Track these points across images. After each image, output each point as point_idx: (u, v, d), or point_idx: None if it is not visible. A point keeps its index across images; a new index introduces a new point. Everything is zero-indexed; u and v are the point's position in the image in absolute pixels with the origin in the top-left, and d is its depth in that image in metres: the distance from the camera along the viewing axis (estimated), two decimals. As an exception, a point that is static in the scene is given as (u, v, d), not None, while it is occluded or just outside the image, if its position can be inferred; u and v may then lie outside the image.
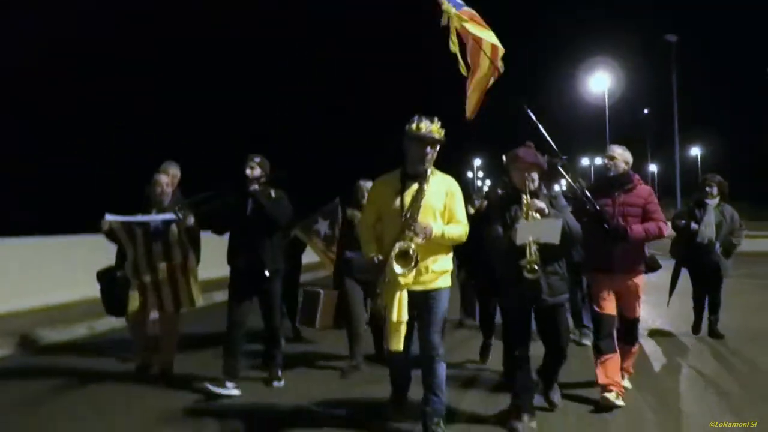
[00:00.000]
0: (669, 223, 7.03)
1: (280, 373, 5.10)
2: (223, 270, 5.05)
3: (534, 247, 3.75)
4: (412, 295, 3.68)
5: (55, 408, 4.57)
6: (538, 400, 4.16)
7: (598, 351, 4.47)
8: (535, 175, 3.96)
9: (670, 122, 33.26)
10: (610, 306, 4.49)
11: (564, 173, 4.48)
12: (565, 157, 4.53)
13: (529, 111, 4.47)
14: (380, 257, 3.69)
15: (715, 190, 6.64)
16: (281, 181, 5.12)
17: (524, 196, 3.88)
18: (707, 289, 6.69)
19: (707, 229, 6.49)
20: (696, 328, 6.68)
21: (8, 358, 6.15)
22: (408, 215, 3.64)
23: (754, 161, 39.69)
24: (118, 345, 6.15)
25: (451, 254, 3.87)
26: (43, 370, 5.55)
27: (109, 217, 4.98)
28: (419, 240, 3.59)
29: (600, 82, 31.46)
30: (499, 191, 4.69)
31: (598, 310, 4.50)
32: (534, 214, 3.83)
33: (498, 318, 4.85)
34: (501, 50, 4.55)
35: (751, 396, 4.60)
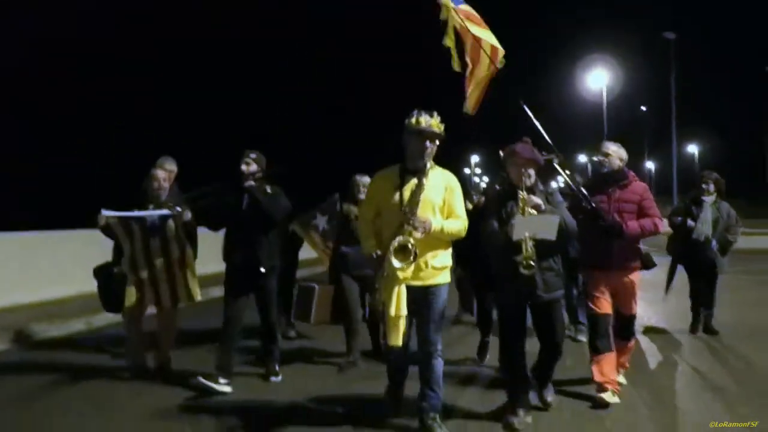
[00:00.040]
0: (665, 220, 7.08)
1: (277, 368, 5.10)
2: (220, 265, 5.03)
3: (530, 243, 3.75)
4: (410, 290, 3.68)
5: (51, 403, 4.57)
6: (532, 397, 4.16)
7: (594, 349, 4.48)
8: (531, 171, 3.96)
9: (668, 120, 33.35)
10: (605, 304, 4.49)
11: (560, 170, 4.48)
12: (561, 154, 4.53)
13: (525, 106, 4.47)
14: (379, 252, 3.69)
15: (711, 188, 6.65)
16: (280, 177, 5.12)
17: (520, 191, 3.89)
18: (703, 286, 6.71)
19: (703, 226, 6.51)
20: (694, 328, 6.68)
21: (4, 353, 6.14)
22: (407, 209, 3.64)
23: (752, 159, 39.79)
24: (115, 340, 6.14)
25: (450, 250, 3.86)
26: (39, 365, 5.55)
27: (106, 213, 4.96)
28: (418, 234, 3.59)
29: (598, 80, 31.46)
30: (497, 187, 4.70)
31: (593, 308, 4.51)
32: (530, 210, 3.84)
33: (495, 315, 4.87)
34: (501, 52, 4.55)
35: (747, 392, 4.62)
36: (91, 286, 5.46)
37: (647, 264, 4.66)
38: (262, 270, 4.84)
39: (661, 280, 6.82)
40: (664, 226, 4.79)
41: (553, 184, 4.76)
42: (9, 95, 30.00)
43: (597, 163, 4.69)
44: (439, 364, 3.84)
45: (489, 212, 4.08)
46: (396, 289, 3.63)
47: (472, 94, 4.63)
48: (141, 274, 5.03)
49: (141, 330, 5.25)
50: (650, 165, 52.56)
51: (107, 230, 5.05)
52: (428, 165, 3.76)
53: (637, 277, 4.54)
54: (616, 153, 4.59)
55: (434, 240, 3.72)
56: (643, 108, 46.81)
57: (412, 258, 3.57)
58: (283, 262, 5.38)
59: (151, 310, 5.25)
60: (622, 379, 4.70)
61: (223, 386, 4.66)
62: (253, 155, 4.91)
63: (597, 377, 4.40)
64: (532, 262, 3.75)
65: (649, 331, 6.84)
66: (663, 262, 6.52)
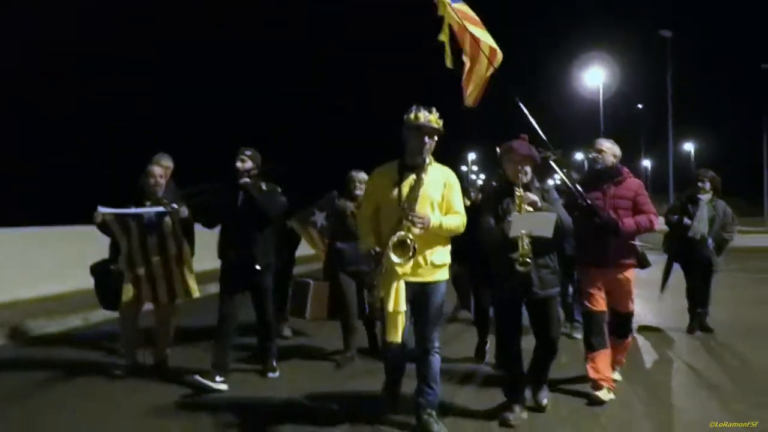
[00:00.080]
0: (662, 218, 7.09)
1: (275, 364, 5.11)
2: (217, 262, 5.03)
3: (526, 240, 3.76)
4: (409, 287, 3.68)
5: (46, 400, 4.55)
6: (527, 395, 4.15)
7: (589, 347, 4.49)
8: (528, 168, 3.97)
9: (665, 117, 33.41)
10: (600, 302, 4.50)
11: (557, 166, 4.49)
12: (559, 150, 4.54)
13: (521, 104, 4.48)
14: (377, 249, 3.69)
15: (707, 186, 6.67)
16: (278, 175, 5.11)
17: (517, 188, 3.89)
18: (699, 284, 6.73)
19: (699, 224, 6.52)
20: (691, 328, 6.66)
21: (1, 349, 6.13)
22: (405, 205, 3.64)
23: (748, 157, 39.88)
24: (111, 337, 6.13)
25: (449, 247, 3.86)
26: (35, 361, 5.54)
27: (103, 210, 4.95)
28: (417, 230, 3.59)
29: (595, 77, 31.48)
30: (494, 184, 4.71)
31: (588, 305, 4.52)
32: (526, 207, 3.84)
33: (491, 313, 4.88)
34: (499, 54, 4.56)
35: (742, 390, 4.64)
36: (89, 282, 5.46)
37: (643, 263, 4.68)
38: (258, 267, 4.83)
39: (657, 278, 6.84)
40: (659, 222, 4.79)
41: (550, 182, 4.77)
42: (9, 95, 29.99)
43: (591, 160, 4.68)
44: (436, 361, 3.84)
45: (485, 209, 4.08)
46: (395, 284, 3.63)
47: (473, 90, 4.63)
48: (138, 271, 5.03)
49: (137, 327, 5.23)
50: (647, 163, 52.66)
51: (104, 227, 5.04)
52: (427, 161, 3.76)
53: (633, 274, 4.55)
54: (609, 150, 4.59)
55: (433, 236, 3.72)
56: (640, 106, 46.86)
57: (411, 253, 3.56)
58: (279, 259, 5.38)
59: (148, 306, 5.25)
60: (617, 375, 4.72)
61: (220, 384, 4.65)
62: (248, 152, 4.91)
63: (592, 374, 4.42)
64: (528, 260, 3.75)
65: (645, 328, 6.85)
66: (659, 260, 6.55)
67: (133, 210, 5.00)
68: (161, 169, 5.18)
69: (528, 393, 4.16)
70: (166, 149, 5.52)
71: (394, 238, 3.57)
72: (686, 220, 6.57)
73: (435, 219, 3.67)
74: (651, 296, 7.24)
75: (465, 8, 4.52)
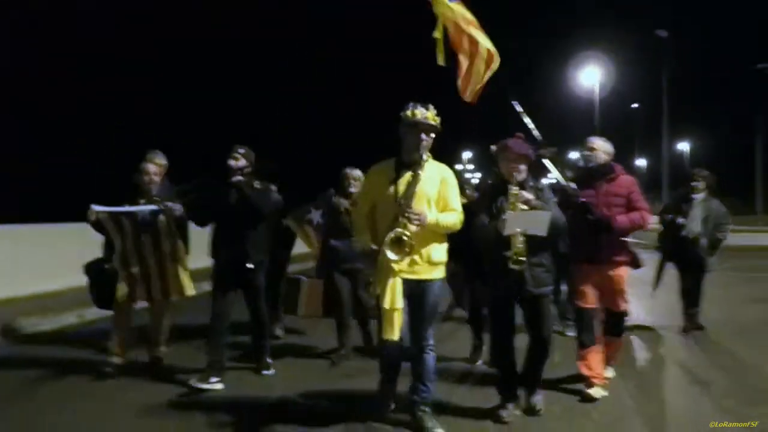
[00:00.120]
0: (656, 217, 7.12)
1: (270, 361, 5.12)
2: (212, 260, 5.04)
3: (520, 239, 3.78)
4: (405, 284, 3.68)
5: (38, 399, 4.54)
6: (522, 397, 4.15)
7: (581, 344, 4.52)
8: (523, 167, 3.98)
9: (660, 117, 33.53)
10: (591, 299, 4.52)
11: (551, 163, 4.51)
12: (554, 148, 4.56)
13: (515, 103, 4.49)
14: (374, 246, 3.70)
15: (701, 185, 6.70)
16: (274, 174, 5.11)
17: (512, 186, 3.91)
18: (691, 283, 6.76)
19: (693, 223, 6.55)
20: (686, 328, 6.66)
21: (-6, 347, 6.12)
22: (402, 202, 3.64)
23: (742, 156, 40.03)
24: (106, 334, 6.12)
25: (445, 245, 3.86)
26: (28, 359, 5.52)
27: (96, 208, 4.93)
28: (413, 227, 3.60)
29: (591, 76, 31.52)
30: (489, 182, 4.72)
31: (579, 303, 4.54)
32: (521, 206, 3.85)
33: (485, 312, 4.89)
34: (496, 59, 4.57)
35: (733, 387, 4.69)
36: (83, 279, 5.44)
37: (636, 264, 4.71)
38: (250, 266, 4.82)
39: (650, 276, 6.87)
40: (652, 219, 4.81)
41: (544, 181, 4.78)
42: (9, 95, 29.84)
43: (584, 158, 4.69)
44: (431, 359, 3.86)
45: (480, 207, 4.09)
46: (391, 281, 3.63)
47: (473, 87, 4.63)
48: (132, 270, 5.02)
49: (131, 325, 5.22)
50: (642, 162, 52.84)
51: (98, 226, 5.02)
52: (424, 157, 3.76)
53: (625, 272, 4.57)
54: (601, 147, 4.61)
55: (430, 234, 3.73)
56: (635, 105, 46.99)
57: (407, 250, 3.57)
58: (272, 258, 5.36)
59: (142, 303, 5.24)
60: (611, 372, 4.75)
61: (215, 384, 4.66)
62: (241, 150, 4.90)
63: (584, 372, 4.45)
64: (522, 258, 3.77)
65: (638, 327, 6.88)
66: (652, 258, 6.58)
67: (126, 208, 4.99)
68: (155, 166, 5.17)
69: (523, 397, 4.16)
70: (167, 149, 5.51)
71: (391, 235, 3.58)
72: (680, 220, 6.59)
73: (431, 216, 3.68)
74: (644, 294, 7.27)
75: (461, 9, 4.52)
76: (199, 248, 5.35)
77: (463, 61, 4.59)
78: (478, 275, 4.87)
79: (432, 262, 3.77)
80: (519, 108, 4.60)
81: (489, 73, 4.55)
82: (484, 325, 5.14)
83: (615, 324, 4.65)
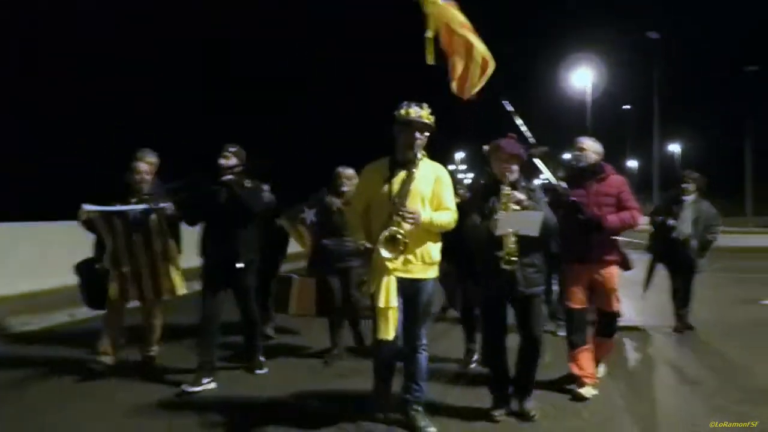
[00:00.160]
0: (646, 218, 7.17)
1: (262, 359, 5.11)
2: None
3: (512, 239, 3.78)
4: (398, 283, 3.68)
5: (28, 399, 4.51)
6: (514, 405, 4.12)
7: (571, 344, 4.55)
8: (514, 167, 3.99)
9: (651, 118, 33.74)
10: (581, 299, 4.54)
11: (542, 163, 4.52)
12: (544, 147, 4.57)
13: (507, 103, 4.51)
14: (367, 244, 3.69)
15: (691, 187, 6.74)
16: (260, 171, 5.09)
17: (504, 187, 3.92)
18: (681, 283, 6.81)
19: (683, 225, 6.60)
20: (678, 328, 6.69)
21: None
22: (396, 200, 3.64)
23: (732, 158, 40.36)
24: (97, 334, 6.10)
25: (439, 244, 3.86)
26: (17, 358, 5.50)
27: (87, 207, 4.90)
28: (407, 225, 3.60)
29: (583, 78, 31.67)
30: (482, 182, 4.73)
31: (570, 303, 4.56)
32: (513, 206, 3.86)
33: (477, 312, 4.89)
34: (491, 64, 4.57)
35: (723, 386, 4.72)
36: (75, 278, 5.41)
37: (625, 265, 4.74)
38: (239, 265, 4.80)
39: (641, 277, 6.91)
40: (642, 219, 4.83)
41: (536, 182, 4.80)
42: (9, 95, 29.67)
43: (574, 159, 4.68)
44: (424, 359, 3.87)
45: (472, 207, 4.09)
46: (385, 280, 3.63)
47: (470, 86, 4.63)
48: (123, 270, 4.99)
49: (122, 325, 5.20)
50: (633, 163, 53.15)
51: (88, 225, 4.99)
52: (419, 156, 3.76)
53: (616, 271, 4.58)
54: (591, 147, 4.63)
55: (424, 233, 3.73)
56: (626, 107, 47.25)
57: (401, 248, 3.57)
58: (264, 257, 5.34)
59: (134, 303, 5.22)
60: (602, 369, 4.77)
61: (207, 385, 4.65)
62: (232, 149, 4.87)
63: (575, 371, 4.48)
64: (513, 258, 3.78)
65: (629, 327, 6.92)
66: (643, 259, 6.63)
67: (118, 208, 4.96)
68: (146, 165, 5.14)
69: (515, 401, 4.12)
70: (166, 149, 5.49)
71: (386, 233, 3.58)
72: (670, 221, 6.64)
73: (426, 214, 3.68)
74: (635, 295, 7.32)
75: (454, 10, 4.52)
76: (191, 247, 5.34)
77: (458, 63, 4.59)
78: (470, 275, 4.88)
79: (426, 262, 3.78)
80: (510, 107, 4.62)
81: (484, 79, 4.56)
82: (477, 326, 5.12)
83: (607, 324, 4.66)
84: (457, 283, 5.81)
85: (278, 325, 6.58)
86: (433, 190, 3.79)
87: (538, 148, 4.53)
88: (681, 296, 6.77)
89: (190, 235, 5.28)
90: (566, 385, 4.55)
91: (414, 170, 3.71)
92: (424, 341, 3.87)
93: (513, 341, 4.19)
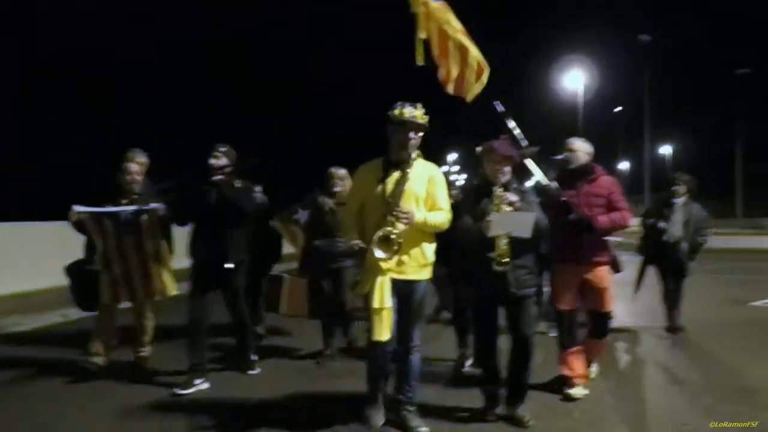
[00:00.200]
0: (638, 218, 7.22)
1: (255, 358, 5.12)
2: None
3: (504, 240, 3.80)
4: (393, 284, 3.68)
5: (17, 400, 4.50)
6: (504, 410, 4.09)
7: (561, 345, 4.58)
8: (507, 168, 4.00)
9: (643, 120, 33.91)
10: (571, 300, 4.56)
11: (533, 163, 4.54)
12: (535, 147, 4.60)
13: (497, 104, 4.53)
14: (361, 244, 3.70)
15: (682, 189, 6.79)
16: (252, 172, 5.08)
17: (495, 188, 3.93)
18: (671, 285, 6.86)
19: (674, 227, 6.64)
20: (671, 328, 6.74)
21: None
22: (390, 200, 3.65)
23: (723, 160, 40.66)
24: (89, 334, 6.08)
25: (434, 245, 3.87)
26: (7, 359, 5.47)
27: (78, 209, 4.88)
28: (402, 225, 3.61)
29: (575, 80, 31.79)
30: (474, 183, 4.74)
31: (560, 305, 4.59)
32: (505, 207, 3.87)
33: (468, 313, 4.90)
34: (486, 71, 4.60)
35: (711, 385, 4.77)
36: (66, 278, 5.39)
37: (615, 267, 4.77)
38: (229, 266, 4.78)
39: (632, 278, 6.96)
40: (633, 220, 4.86)
41: (527, 184, 4.82)
42: (9, 95, 29.52)
43: (564, 160, 4.68)
44: (417, 360, 3.88)
45: (464, 208, 4.10)
46: (379, 280, 3.63)
47: (468, 87, 4.66)
48: (115, 271, 4.97)
49: (114, 326, 5.18)
50: (625, 165, 53.40)
51: (79, 226, 4.97)
52: (413, 156, 3.78)
53: (606, 271, 4.59)
54: (581, 148, 4.64)
55: (418, 234, 3.74)
56: (618, 109, 47.48)
57: (395, 249, 3.58)
58: (256, 258, 5.33)
59: (125, 303, 5.21)
60: (594, 370, 4.80)
61: (200, 386, 4.66)
62: (222, 149, 4.86)
63: (566, 372, 4.51)
64: (506, 259, 3.79)
65: (620, 328, 6.97)
66: (634, 261, 6.69)
67: (109, 209, 4.94)
68: (137, 165, 5.11)
69: (508, 405, 4.09)
70: (166, 149, 5.48)
71: (380, 234, 3.58)
72: (661, 224, 6.67)
73: (420, 215, 3.69)
74: (626, 296, 7.37)
75: (447, 13, 4.53)
76: (183, 248, 5.34)
77: (454, 67, 4.61)
78: (463, 276, 4.89)
79: (420, 262, 3.79)
80: (501, 108, 4.64)
81: (479, 86, 4.59)
82: (469, 329, 5.06)
83: (599, 325, 4.65)
84: (450, 284, 5.82)
85: (270, 326, 6.58)
86: (427, 190, 3.80)
87: (528, 149, 4.55)
88: (672, 298, 6.82)
89: (182, 235, 5.28)
90: (557, 386, 4.59)
91: (408, 170, 3.72)
92: (418, 342, 3.88)
93: (506, 343, 4.22)
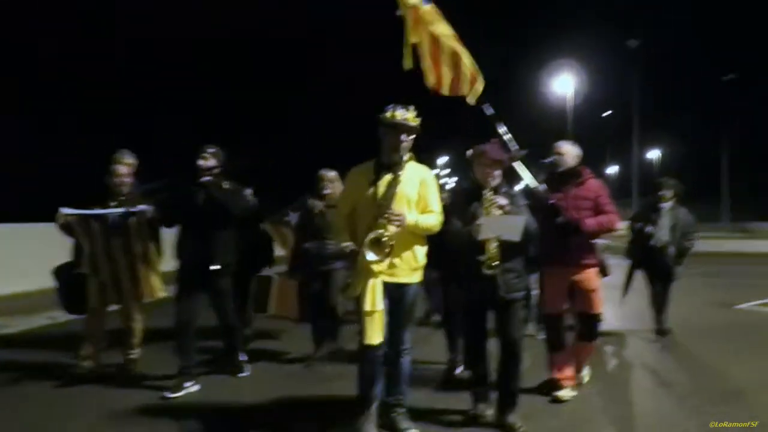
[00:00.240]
0: (627, 222, 7.27)
1: (244, 359, 5.11)
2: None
3: (494, 244, 3.82)
4: (384, 287, 3.68)
5: (3, 403, 4.46)
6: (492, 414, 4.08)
7: (550, 347, 4.61)
8: (497, 172, 4.01)
9: (632, 124, 34.18)
10: (560, 303, 4.59)
11: (522, 165, 4.57)
12: (524, 150, 4.63)
13: (485, 107, 4.56)
14: (352, 246, 3.71)
15: (669, 194, 6.84)
16: (237, 171, 5.07)
17: (485, 192, 3.95)
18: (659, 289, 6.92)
19: (661, 232, 6.70)
20: (660, 332, 6.78)
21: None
22: (382, 203, 3.65)
23: (710, 165, 41.07)
24: (77, 337, 6.03)
25: (425, 248, 3.88)
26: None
27: (65, 211, 4.85)
28: (393, 228, 3.62)
29: (565, 84, 31.96)
30: (464, 186, 4.76)
31: (548, 306, 4.62)
32: (495, 211, 3.89)
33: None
34: (480, 80, 4.62)
35: (697, 386, 4.83)
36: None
37: (603, 271, 4.81)
38: (215, 267, 4.77)
39: (620, 282, 7.01)
40: (620, 223, 4.89)
41: (516, 188, 4.85)
42: (9, 94, 29.24)
43: (551, 163, 4.70)
44: (407, 362, 3.90)
45: (454, 211, 4.10)
46: (371, 283, 3.63)
47: (466, 87, 4.68)
48: (102, 274, 4.94)
49: (103, 329, 5.15)
50: (613, 169, 53.78)
51: (66, 229, 4.94)
52: (404, 158, 3.79)
53: (594, 274, 4.61)
54: (569, 151, 4.66)
55: (410, 237, 3.75)
56: (607, 113, 47.83)
57: (387, 251, 3.58)
58: (247, 261, 5.31)
59: (114, 306, 5.19)
60: (585, 374, 4.83)
61: (190, 389, 4.65)
62: (211, 150, 4.85)
63: (554, 374, 4.54)
64: (495, 263, 3.80)
65: (607, 331, 7.02)
66: (622, 265, 6.74)
67: (96, 211, 4.91)
68: (126, 167, 5.09)
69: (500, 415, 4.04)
70: (166, 149, 5.46)
71: (371, 236, 3.59)
72: (648, 228, 6.72)
73: (411, 217, 3.70)
74: (613, 300, 7.42)
75: (438, 18, 4.55)
76: (172, 250, 5.33)
77: (446, 73, 4.63)
78: (453, 279, 4.90)
79: (412, 266, 3.80)
80: (490, 110, 4.67)
81: (472, 96, 4.61)
82: (459, 334, 5.02)
83: (588, 328, 4.67)
84: (440, 288, 5.83)
85: (259, 329, 6.56)
86: (418, 192, 3.80)
87: (517, 152, 4.58)
88: (659, 301, 6.88)
89: (171, 238, 5.27)
90: (546, 390, 4.61)
91: (400, 173, 3.73)
92: (408, 345, 3.89)
93: (496, 346, 4.24)
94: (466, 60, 4.61)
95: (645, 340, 6.68)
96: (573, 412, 4.26)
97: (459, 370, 5.10)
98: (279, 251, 6.53)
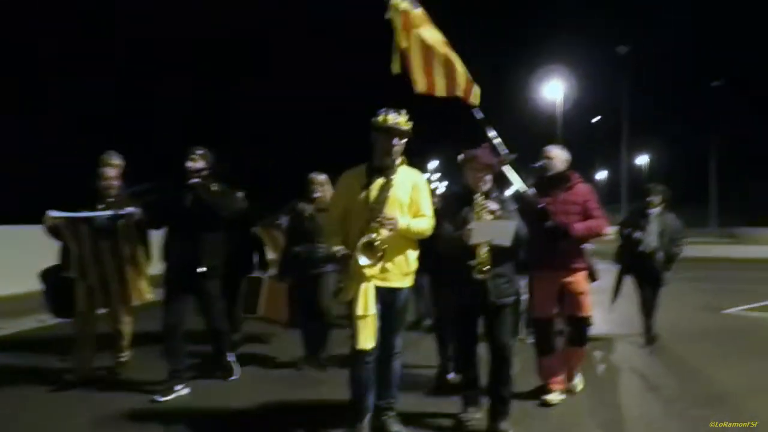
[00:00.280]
0: (616, 227, 7.32)
1: (233, 360, 5.10)
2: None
3: (485, 248, 3.83)
4: (376, 291, 3.68)
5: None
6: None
7: (539, 351, 4.63)
8: (488, 177, 4.02)
9: (621, 130, 34.43)
10: (549, 307, 4.61)
11: (511, 169, 4.59)
12: (514, 155, 4.65)
13: (475, 111, 4.59)
14: (343, 250, 3.70)
15: (657, 199, 6.89)
16: (222, 175, 5.06)
17: (476, 196, 3.96)
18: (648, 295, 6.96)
19: (649, 237, 6.74)
20: (649, 339, 6.77)
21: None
22: (374, 207, 3.66)
23: (698, 171, 41.43)
24: (65, 341, 5.99)
25: (417, 253, 3.88)
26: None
27: (53, 214, 4.81)
28: (386, 231, 3.62)
29: (554, 90, 32.16)
30: (455, 190, 4.78)
31: (537, 311, 4.64)
32: (486, 215, 3.90)
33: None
34: (476, 91, 4.64)
35: (683, 390, 4.87)
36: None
37: (592, 276, 4.83)
38: (202, 269, 4.74)
39: (609, 286, 7.05)
40: (609, 227, 4.92)
41: (506, 193, 4.87)
42: (9, 94, 29.03)
43: (540, 167, 4.72)
44: (397, 366, 3.90)
45: (444, 216, 4.10)
46: (363, 287, 3.64)
47: (464, 87, 4.69)
48: (90, 277, 4.91)
49: (92, 333, 5.10)
50: (602, 174, 54.12)
51: (54, 231, 4.89)
52: (396, 162, 3.80)
53: (583, 277, 4.63)
54: (558, 156, 4.68)
55: (402, 241, 3.75)
56: (596, 118, 48.15)
57: (379, 255, 3.59)
58: (237, 264, 5.29)
59: (102, 309, 5.16)
60: (578, 381, 4.82)
61: (180, 392, 4.63)
62: (199, 151, 4.82)
63: (543, 378, 4.56)
64: (486, 268, 3.81)
65: (597, 336, 7.05)
66: (611, 270, 6.78)
67: (84, 214, 4.87)
68: (113, 169, 5.05)
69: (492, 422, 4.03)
70: (166, 149, 5.44)
71: (363, 240, 3.59)
72: (636, 234, 6.76)
73: (403, 221, 3.70)
74: (602, 304, 7.47)
75: (429, 24, 4.57)
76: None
77: (438, 78, 4.65)
78: (444, 284, 4.91)
79: (404, 270, 3.80)
80: (480, 115, 4.69)
81: (474, 98, 4.63)
82: (449, 336, 5.03)
83: (578, 331, 4.68)
84: (431, 292, 5.84)
85: (250, 333, 6.55)
86: (410, 196, 3.81)
87: (506, 155, 4.60)
88: (648, 307, 6.92)
89: (160, 241, 5.25)
90: (533, 389, 4.64)
91: (392, 177, 3.74)
92: (399, 348, 3.90)
93: (486, 351, 4.25)
94: (459, 68, 4.64)
95: (633, 344, 6.72)
96: (562, 415, 4.28)
97: (450, 375, 5.08)
98: (270, 255, 6.53)
